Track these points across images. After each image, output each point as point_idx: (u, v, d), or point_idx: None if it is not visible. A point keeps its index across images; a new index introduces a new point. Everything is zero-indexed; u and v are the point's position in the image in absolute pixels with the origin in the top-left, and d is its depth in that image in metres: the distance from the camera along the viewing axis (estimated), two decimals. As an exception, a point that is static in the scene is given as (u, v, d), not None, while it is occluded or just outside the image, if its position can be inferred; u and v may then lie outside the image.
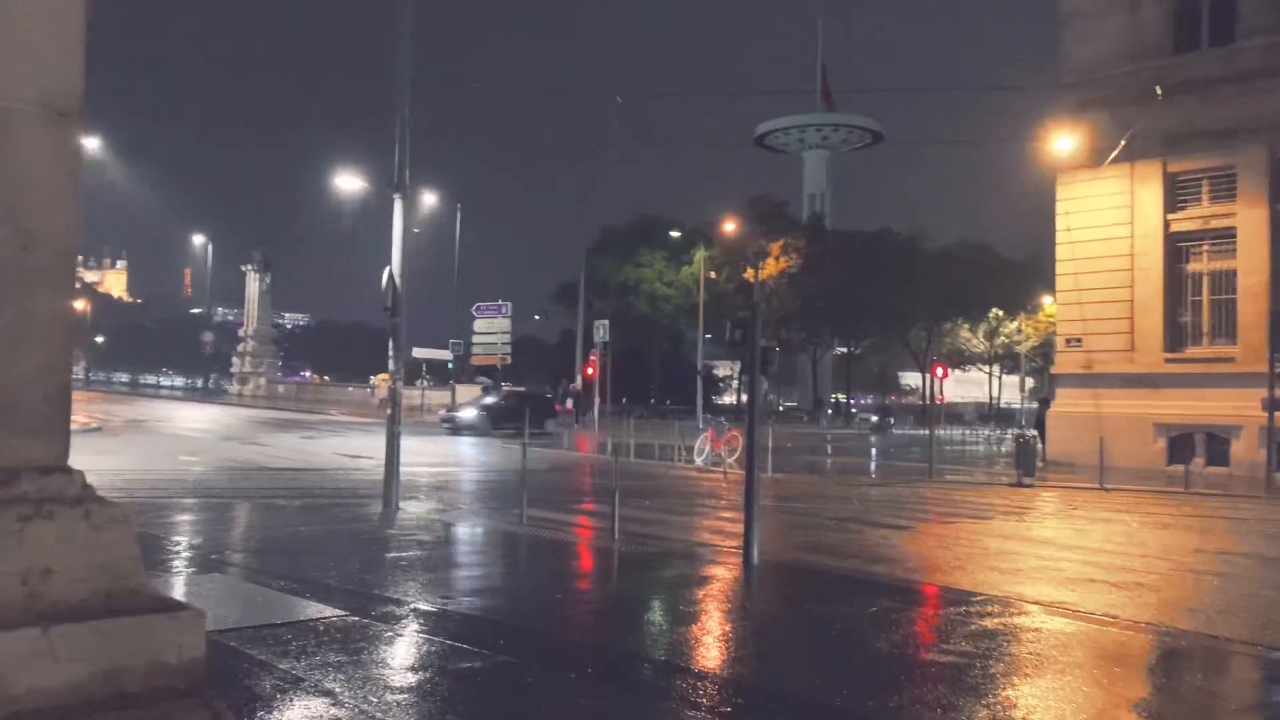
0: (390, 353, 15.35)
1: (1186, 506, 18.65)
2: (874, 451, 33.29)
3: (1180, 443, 25.51)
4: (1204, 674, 7.22)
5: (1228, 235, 26.44)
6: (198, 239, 64.20)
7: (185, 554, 10.50)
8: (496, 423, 37.07)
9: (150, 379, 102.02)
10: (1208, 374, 25.73)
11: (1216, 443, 25.34)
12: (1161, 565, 11.93)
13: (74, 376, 4.36)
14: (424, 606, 8.26)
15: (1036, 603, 9.13)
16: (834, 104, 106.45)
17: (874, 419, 62.16)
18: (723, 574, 10.50)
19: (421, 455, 25.09)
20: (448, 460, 26.25)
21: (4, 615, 3.43)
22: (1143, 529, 15.45)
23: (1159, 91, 26.30)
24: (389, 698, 5.67)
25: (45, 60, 3.76)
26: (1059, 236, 29.28)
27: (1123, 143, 26.75)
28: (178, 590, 8.45)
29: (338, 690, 5.76)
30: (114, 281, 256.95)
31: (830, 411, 79.34)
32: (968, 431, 50.79)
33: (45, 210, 3.77)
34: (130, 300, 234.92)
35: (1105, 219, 28.13)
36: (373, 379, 64.98)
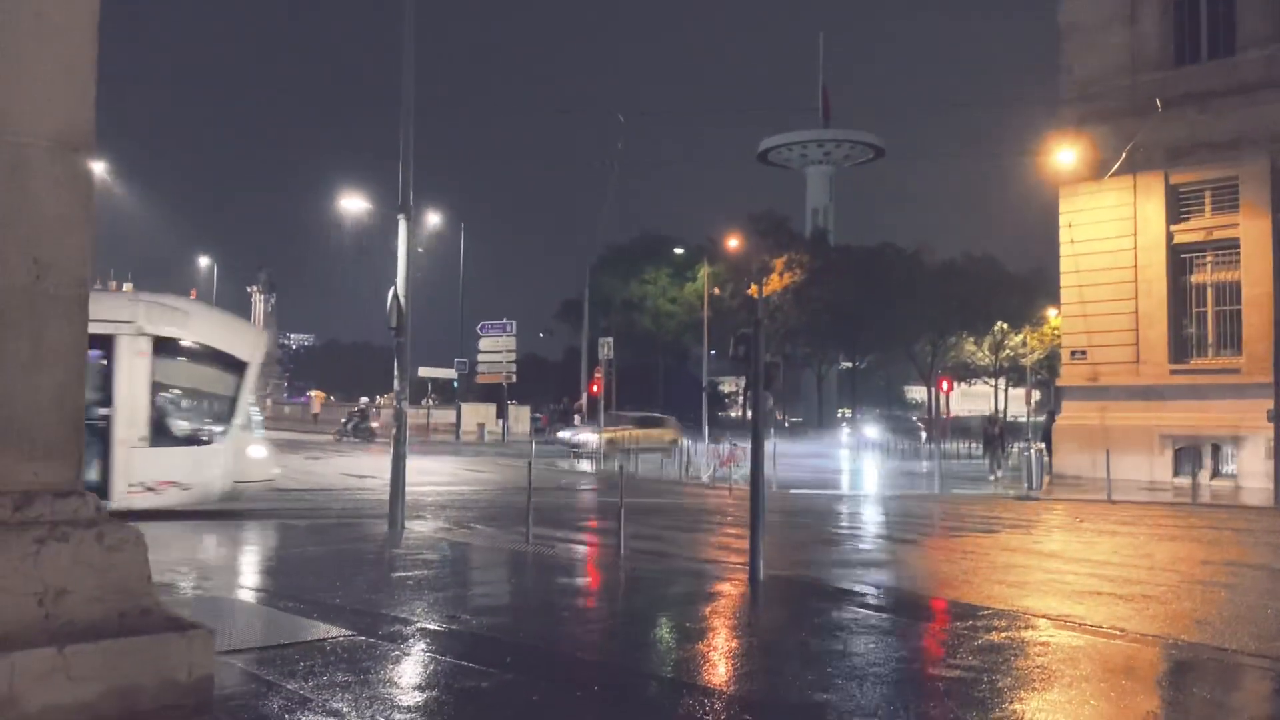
0: (395, 372, 15.43)
1: (1193, 518, 18.62)
2: (879, 466, 33.25)
3: (1186, 454, 25.47)
4: (1212, 686, 7.22)
5: (1231, 246, 26.45)
6: (203, 260, 64.49)
7: (194, 574, 10.55)
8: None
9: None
10: (1213, 385, 25.70)
11: (1223, 454, 25.30)
12: (1169, 577, 11.92)
13: None
14: (430, 626, 8.29)
15: (1044, 616, 9.13)
16: (831, 118, 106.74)
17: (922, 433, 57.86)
18: (729, 590, 10.52)
19: (428, 474, 25.13)
20: (454, 479, 26.29)
21: (21, 634, 3.49)
22: (1150, 541, 15.43)
23: (1159, 104, 26.37)
24: (396, 717, 5.70)
25: (58, 98, 3.84)
26: (1063, 249, 29.32)
27: (1124, 155, 26.80)
28: (187, 610, 8.50)
29: (345, 710, 5.78)
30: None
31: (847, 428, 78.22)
32: (975, 445, 50.59)
33: (58, 240, 3.85)
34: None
35: (1109, 231, 28.17)
36: (310, 393, 64.88)
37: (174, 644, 3.79)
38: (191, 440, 16.49)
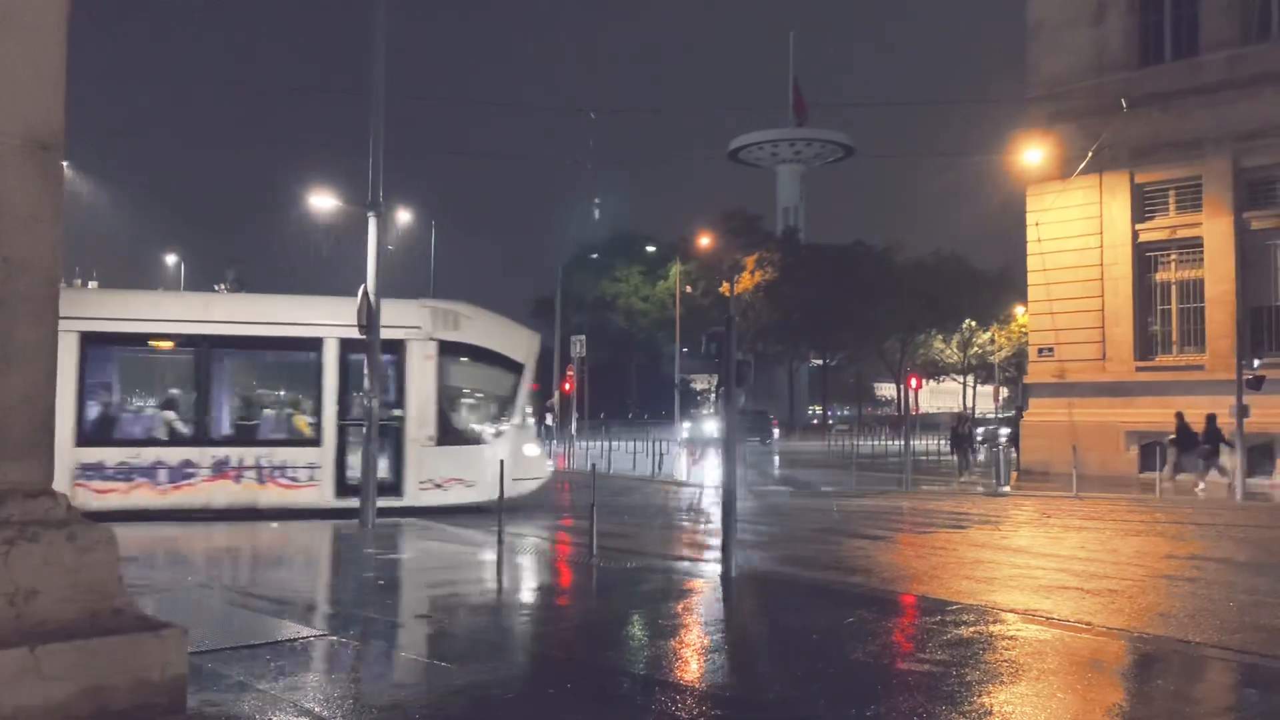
0: (366, 370, 15.37)
1: (1158, 513, 18.85)
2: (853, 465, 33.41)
3: (1152, 450, 25.77)
4: (1176, 678, 7.34)
5: (1195, 245, 26.83)
6: (170, 258, 63.80)
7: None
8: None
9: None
10: (1178, 382, 26.04)
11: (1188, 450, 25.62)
12: (1134, 571, 12.08)
13: None
14: (400, 623, 8.29)
15: (1011, 611, 9.23)
16: (806, 118, 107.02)
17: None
18: (701, 586, 10.57)
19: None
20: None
21: (-8, 636, 3.47)
22: (1115, 536, 15.62)
23: (1125, 104, 26.69)
24: (368, 716, 5.70)
25: (28, 96, 3.83)
26: (1030, 247, 29.62)
27: (1090, 154, 27.11)
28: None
29: (316, 709, 5.79)
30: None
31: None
32: (944, 442, 50.88)
33: (28, 239, 3.83)
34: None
35: (1075, 229, 28.48)
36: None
37: (147, 643, 3.79)
38: (475, 439, 17.25)
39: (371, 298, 15.19)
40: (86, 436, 15.59)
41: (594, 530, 12.28)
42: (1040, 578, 11.49)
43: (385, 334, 15.87)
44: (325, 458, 16.31)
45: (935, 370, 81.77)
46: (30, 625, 3.60)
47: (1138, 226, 27.62)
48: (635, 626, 8.87)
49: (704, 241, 62.68)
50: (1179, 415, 23.32)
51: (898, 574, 12.07)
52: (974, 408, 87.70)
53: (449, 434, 16.80)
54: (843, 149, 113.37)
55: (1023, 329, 53.17)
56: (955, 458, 29.56)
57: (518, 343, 17.98)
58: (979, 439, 34.62)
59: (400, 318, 16.42)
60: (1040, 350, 29.63)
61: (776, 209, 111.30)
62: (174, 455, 15.86)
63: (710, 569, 11.43)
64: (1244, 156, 25.82)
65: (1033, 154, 28.54)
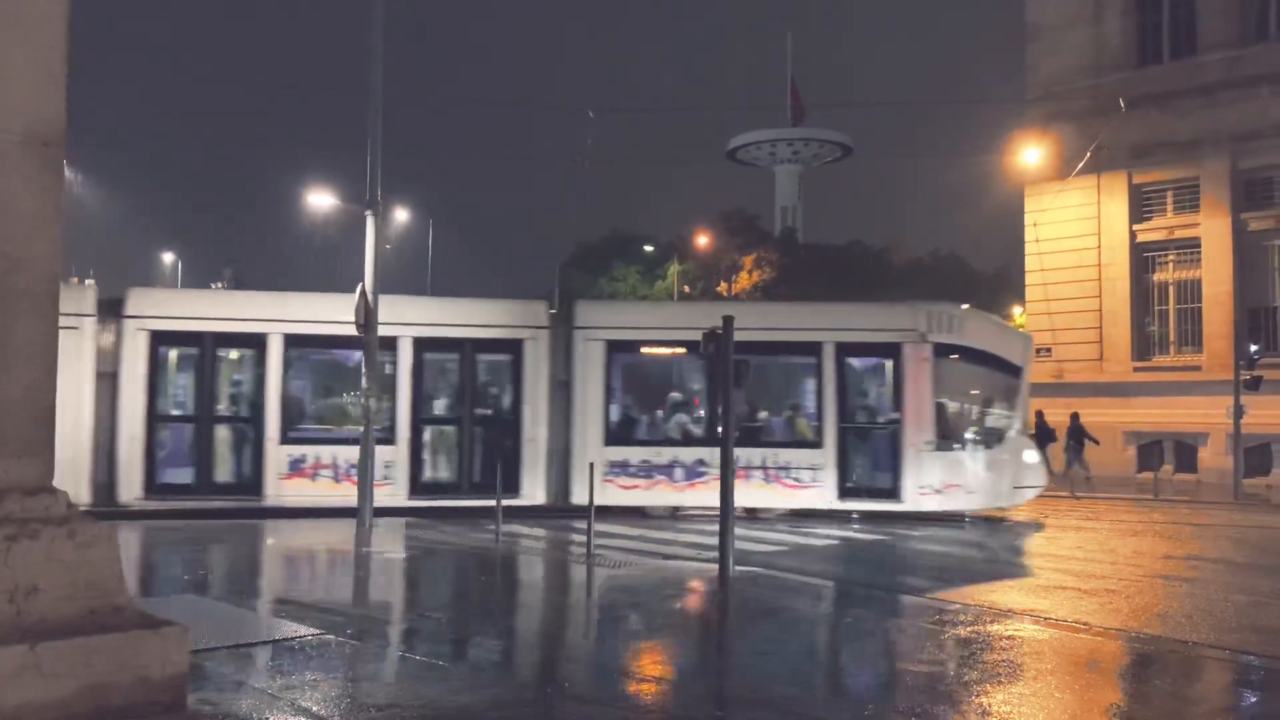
0: (364, 369, 15.32)
1: (1156, 513, 18.88)
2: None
3: (1149, 450, 25.77)
4: (1174, 679, 7.35)
5: (1192, 245, 26.86)
6: (167, 256, 63.74)
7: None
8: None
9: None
10: (1175, 382, 26.07)
11: (1184, 450, 25.57)
12: (1131, 572, 12.09)
13: None
14: (396, 622, 8.29)
15: (1009, 610, 9.25)
16: (804, 118, 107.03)
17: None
18: (699, 586, 10.59)
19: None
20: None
21: (-7, 633, 3.47)
22: (1113, 536, 15.64)
23: (1123, 104, 26.72)
24: (366, 715, 5.71)
25: (30, 92, 3.83)
26: (1028, 248, 29.64)
27: (1088, 155, 27.13)
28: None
29: (314, 709, 5.79)
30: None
31: None
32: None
33: (29, 236, 3.83)
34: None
35: (1073, 230, 28.51)
36: None
37: (147, 641, 3.79)
38: (973, 444, 16.97)
39: (369, 297, 15.13)
40: (613, 437, 16.38)
41: (590, 529, 12.27)
42: (1037, 577, 11.52)
43: (880, 337, 16.50)
44: (827, 460, 16.43)
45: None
46: (30, 623, 3.60)
47: (1135, 227, 27.66)
48: (631, 624, 8.86)
49: (702, 241, 62.71)
50: (1039, 414, 24.37)
51: (894, 572, 12.08)
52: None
53: (946, 438, 16.61)
54: (841, 149, 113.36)
55: (1020, 329, 53.18)
56: None
57: (1014, 345, 17.83)
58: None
59: (895, 320, 16.72)
60: (1038, 350, 29.58)
61: (774, 209, 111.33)
62: (689, 455, 16.47)
63: (708, 566, 11.43)
64: (1242, 157, 25.86)
65: (1031, 154, 28.56)
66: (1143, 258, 27.76)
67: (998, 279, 68.67)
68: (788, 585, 10.68)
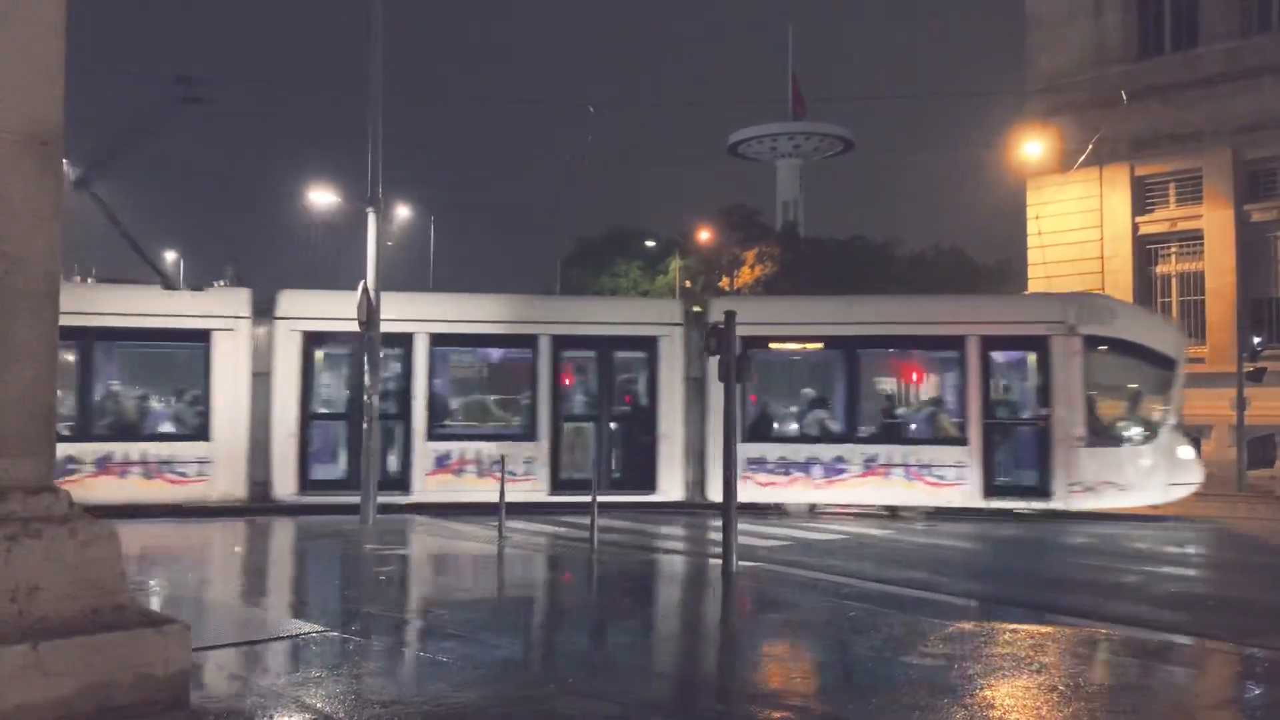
0: (366, 368, 15.31)
1: (1158, 506, 18.83)
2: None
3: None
4: (1179, 672, 7.34)
5: (1195, 237, 26.83)
6: (169, 255, 63.64)
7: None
8: None
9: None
10: (1178, 374, 26.02)
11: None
12: (1134, 565, 12.09)
13: None
14: (401, 618, 8.29)
15: (1012, 604, 9.24)
16: (805, 112, 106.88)
17: None
18: (702, 581, 10.58)
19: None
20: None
21: (-5, 633, 3.47)
22: (1116, 528, 15.61)
23: (1124, 96, 26.66)
24: (370, 712, 5.71)
25: (28, 93, 3.82)
26: (1030, 240, 29.56)
27: (1090, 147, 27.07)
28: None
29: (320, 705, 5.79)
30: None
31: None
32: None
33: (28, 235, 3.83)
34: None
35: (1075, 222, 28.47)
36: None
37: (149, 639, 3.79)
38: (1125, 440, 16.52)
39: (371, 294, 15.11)
40: (749, 433, 16.16)
41: (594, 524, 12.26)
42: (1040, 571, 11.49)
43: (1026, 330, 16.29)
44: (971, 457, 16.13)
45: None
46: (32, 621, 3.61)
47: (1138, 219, 27.62)
48: (636, 620, 8.86)
49: (703, 236, 62.61)
50: None
51: (895, 567, 12.06)
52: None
53: (1098, 434, 16.20)
54: (842, 143, 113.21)
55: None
56: None
57: (1167, 338, 17.31)
58: None
59: (1042, 313, 16.49)
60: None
61: (776, 203, 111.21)
62: (827, 452, 16.39)
63: (711, 562, 11.42)
64: (1244, 149, 25.82)
65: (1032, 147, 28.45)
66: (1145, 250, 27.72)
67: (1000, 272, 68.58)
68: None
